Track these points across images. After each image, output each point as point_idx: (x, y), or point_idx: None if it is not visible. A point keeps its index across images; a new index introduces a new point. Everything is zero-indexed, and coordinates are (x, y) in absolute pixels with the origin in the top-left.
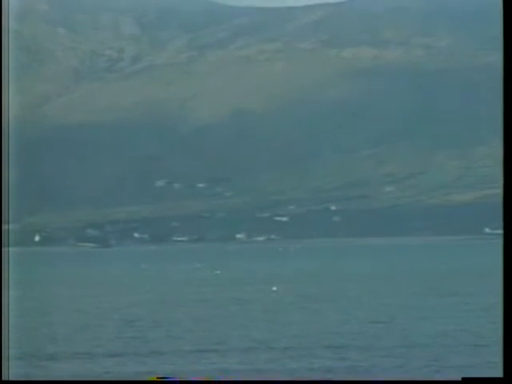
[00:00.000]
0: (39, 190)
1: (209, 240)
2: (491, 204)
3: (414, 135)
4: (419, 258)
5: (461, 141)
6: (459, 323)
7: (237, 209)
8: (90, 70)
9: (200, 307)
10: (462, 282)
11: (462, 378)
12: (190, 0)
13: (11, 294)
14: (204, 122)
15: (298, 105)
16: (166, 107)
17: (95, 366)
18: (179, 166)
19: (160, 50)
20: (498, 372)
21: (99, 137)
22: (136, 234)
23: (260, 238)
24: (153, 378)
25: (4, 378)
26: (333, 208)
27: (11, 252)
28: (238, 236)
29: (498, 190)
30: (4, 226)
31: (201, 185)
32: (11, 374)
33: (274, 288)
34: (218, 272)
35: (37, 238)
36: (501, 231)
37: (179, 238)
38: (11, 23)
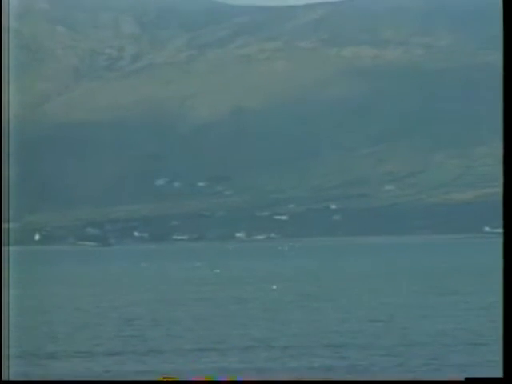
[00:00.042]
0: (39, 188)
1: (209, 239)
2: (491, 203)
3: (414, 134)
4: (419, 256)
5: (461, 140)
6: (459, 322)
7: (237, 207)
8: (90, 68)
9: (200, 306)
10: (461, 281)
11: (466, 378)
12: None
13: (11, 293)
14: (204, 121)
15: (298, 103)
16: (166, 106)
17: (94, 364)
18: (179, 164)
19: (160, 48)
20: (497, 370)
21: (99, 135)
22: (136, 233)
23: (260, 237)
24: (170, 377)
25: (4, 377)
26: (333, 207)
27: (11, 251)
28: (238, 235)
29: (497, 189)
30: (4, 225)
31: (201, 183)
32: (11, 372)
33: (274, 286)
34: (218, 271)
35: (37, 237)
36: (501, 230)
37: (179, 237)
38: (11, 22)
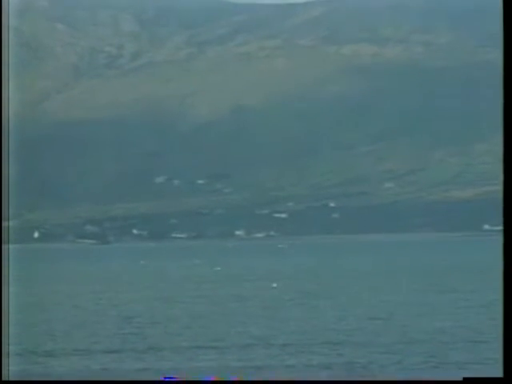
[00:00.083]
0: (38, 186)
1: (208, 236)
2: (491, 201)
3: (414, 132)
4: (419, 254)
5: (460, 137)
6: (458, 319)
7: (236, 205)
8: (90, 66)
9: (199, 304)
10: (461, 279)
11: (464, 378)
12: None
13: (10, 291)
14: (203, 119)
15: (297, 101)
16: (166, 104)
17: (93, 362)
18: (179, 162)
19: (159, 46)
20: (497, 368)
21: (98, 133)
22: (135, 231)
23: (259, 235)
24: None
25: (4, 377)
26: (332, 204)
27: (10, 249)
28: (237, 232)
29: (497, 187)
30: (3, 223)
31: (200, 181)
32: (10, 370)
33: (274, 285)
34: (219, 269)
35: (36, 235)
36: (500, 228)
37: (178, 235)
38: (11, 20)
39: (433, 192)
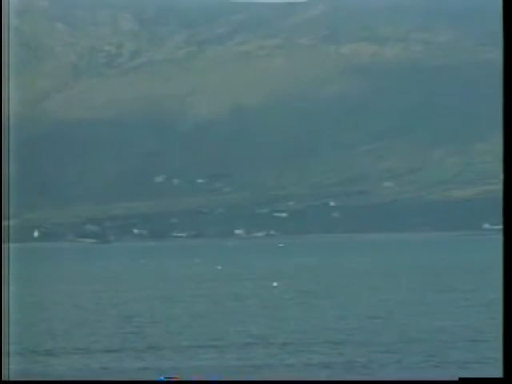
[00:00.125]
0: (38, 185)
1: (208, 236)
2: (491, 200)
3: (414, 131)
4: (418, 253)
5: (460, 137)
6: (458, 319)
7: (236, 204)
8: (89, 65)
9: (199, 303)
10: (461, 278)
11: (460, 378)
12: None
13: (10, 290)
14: (203, 118)
15: (297, 101)
16: (165, 103)
17: (93, 361)
18: (178, 161)
19: (159, 45)
20: (496, 367)
21: (98, 133)
22: (135, 230)
23: (259, 234)
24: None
25: (4, 377)
26: (332, 204)
27: (10, 248)
28: (237, 232)
29: (497, 186)
30: (3, 222)
31: (200, 180)
32: (10, 369)
33: (275, 284)
34: (219, 267)
35: (36, 234)
36: (500, 227)
37: (178, 234)
38: (11, 20)
39: (432, 191)
